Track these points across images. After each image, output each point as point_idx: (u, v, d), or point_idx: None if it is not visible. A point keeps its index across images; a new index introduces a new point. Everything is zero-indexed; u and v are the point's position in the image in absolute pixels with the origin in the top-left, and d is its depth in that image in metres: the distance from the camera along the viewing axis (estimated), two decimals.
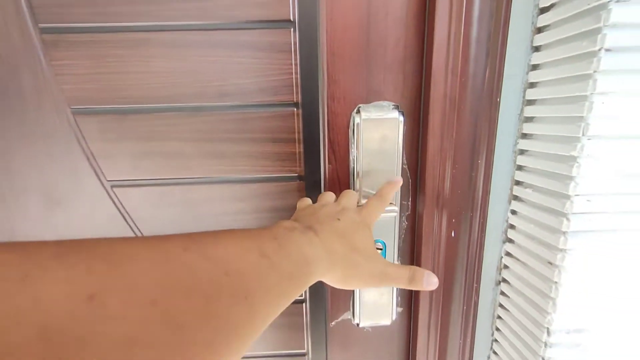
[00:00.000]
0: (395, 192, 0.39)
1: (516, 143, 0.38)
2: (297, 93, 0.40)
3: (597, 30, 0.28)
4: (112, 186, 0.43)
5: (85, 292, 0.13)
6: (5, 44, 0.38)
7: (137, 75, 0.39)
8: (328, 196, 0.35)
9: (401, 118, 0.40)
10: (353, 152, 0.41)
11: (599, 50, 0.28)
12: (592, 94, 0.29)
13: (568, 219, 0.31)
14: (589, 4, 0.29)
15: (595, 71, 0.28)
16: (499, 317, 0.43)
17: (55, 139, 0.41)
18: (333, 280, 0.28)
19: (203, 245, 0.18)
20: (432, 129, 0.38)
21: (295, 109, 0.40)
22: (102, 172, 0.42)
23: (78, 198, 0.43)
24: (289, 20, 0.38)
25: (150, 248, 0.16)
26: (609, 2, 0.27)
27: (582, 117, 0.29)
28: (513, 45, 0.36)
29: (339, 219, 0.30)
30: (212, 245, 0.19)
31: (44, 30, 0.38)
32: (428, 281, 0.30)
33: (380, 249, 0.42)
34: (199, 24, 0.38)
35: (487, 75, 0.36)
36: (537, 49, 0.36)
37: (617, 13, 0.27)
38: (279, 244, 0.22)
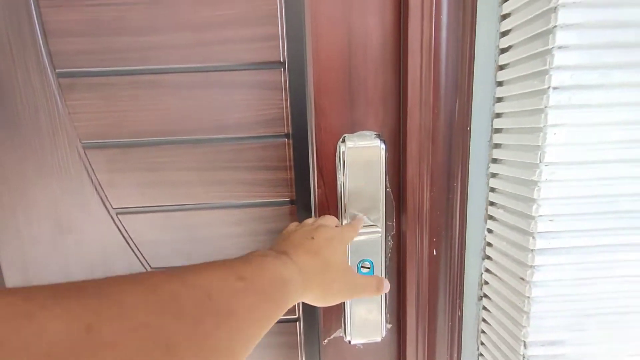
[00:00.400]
0: (361, 226, 0.42)
1: (488, 167, 0.42)
2: (287, 125, 0.44)
3: (545, 72, 0.32)
4: (117, 213, 0.46)
5: (83, 324, 0.14)
6: (26, 87, 0.43)
7: (144, 112, 0.44)
8: (309, 219, 0.38)
9: (382, 146, 0.43)
10: (340, 177, 0.44)
11: (548, 88, 0.32)
12: (545, 126, 0.32)
13: (534, 238, 0.34)
14: (536, 49, 0.33)
15: (545, 106, 0.32)
16: (483, 332, 0.44)
17: (67, 170, 0.45)
18: (313, 299, 0.30)
19: (184, 276, 0.20)
20: (410, 157, 0.41)
21: (286, 140, 0.44)
22: (109, 201, 0.46)
23: (86, 225, 0.47)
24: (280, 62, 0.43)
25: (136, 282, 0.18)
26: (552, 48, 0.31)
27: (539, 145, 0.33)
28: (479, 80, 0.40)
29: (312, 237, 0.32)
30: (193, 275, 0.21)
31: (61, 75, 0.43)
32: (386, 286, 0.35)
33: (369, 268, 0.45)
34: (200, 66, 0.43)
35: (457, 107, 0.41)
36: (500, 84, 0.40)
37: (559, 57, 0.31)
38: (254, 268, 0.24)
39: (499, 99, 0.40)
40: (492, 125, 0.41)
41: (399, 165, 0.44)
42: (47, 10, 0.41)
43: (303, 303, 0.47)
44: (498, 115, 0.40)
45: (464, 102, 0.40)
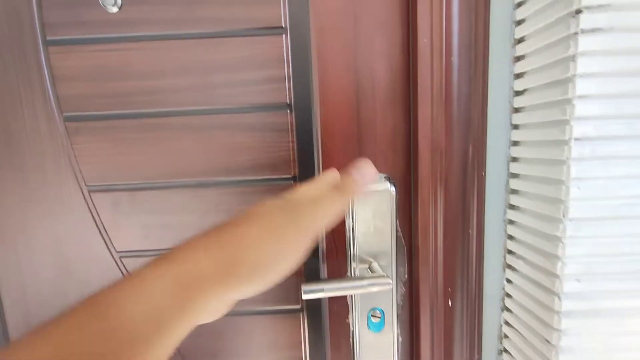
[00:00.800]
0: (354, 190, 0.28)
1: (505, 213, 0.40)
2: (294, 168, 0.43)
3: (565, 122, 0.30)
4: (120, 257, 0.45)
5: None
6: (33, 130, 0.43)
7: (150, 155, 0.43)
8: None
9: (392, 189, 0.42)
10: (349, 221, 0.43)
11: (569, 139, 0.30)
12: (567, 179, 0.30)
13: (560, 299, 0.31)
14: (555, 97, 0.31)
15: (567, 158, 0.30)
16: None
17: (71, 212, 0.45)
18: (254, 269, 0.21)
19: None
20: (422, 201, 0.40)
21: (293, 182, 0.43)
22: (112, 243, 0.45)
23: (88, 268, 0.46)
24: (287, 104, 0.42)
25: None
26: (572, 97, 0.30)
27: (562, 199, 0.31)
28: (493, 123, 0.39)
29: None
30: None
31: (67, 119, 0.43)
32: (362, 177, 0.25)
33: (379, 317, 0.42)
34: (207, 109, 0.42)
35: (470, 150, 0.39)
36: (516, 127, 0.38)
37: (580, 107, 0.30)
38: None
39: (515, 143, 0.38)
40: (508, 170, 0.39)
41: (410, 208, 0.43)
42: (56, 56, 0.42)
43: (310, 348, 0.45)
44: (514, 159, 0.39)
45: (478, 145, 0.39)
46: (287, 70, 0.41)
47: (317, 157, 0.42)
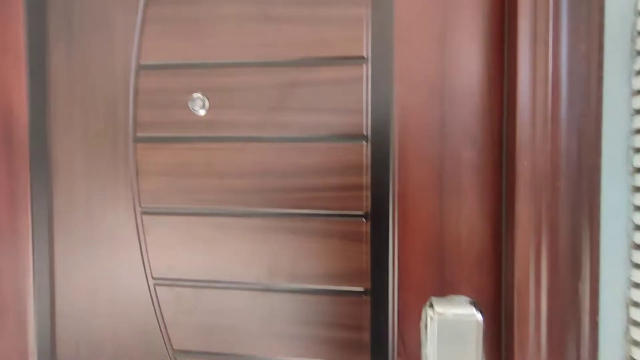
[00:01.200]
0: None
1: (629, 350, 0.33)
2: (367, 280, 0.40)
3: None
4: (176, 357, 0.43)
5: None
6: (111, 215, 0.44)
7: (218, 253, 0.42)
8: None
9: (479, 316, 0.37)
10: (425, 348, 0.38)
11: None
12: None
13: None
14: None
15: None
16: None
17: (136, 304, 0.44)
18: None
19: None
20: (520, 345, 0.34)
21: (364, 296, 0.40)
22: (170, 341, 0.43)
23: None
24: (363, 213, 0.40)
25: None
26: None
27: None
28: (608, 261, 0.34)
29: None
30: None
31: (145, 211, 0.44)
32: None
33: None
34: (280, 212, 0.41)
35: (580, 290, 0.34)
36: (637, 246, 0.33)
37: None
38: None
39: (638, 285, 0.33)
40: (628, 316, 0.33)
41: (499, 342, 0.37)
42: (143, 152, 0.43)
43: None
44: (637, 304, 0.33)
45: (590, 285, 0.34)
46: (366, 179, 0.40)
47: (393, 271, 0.39)
